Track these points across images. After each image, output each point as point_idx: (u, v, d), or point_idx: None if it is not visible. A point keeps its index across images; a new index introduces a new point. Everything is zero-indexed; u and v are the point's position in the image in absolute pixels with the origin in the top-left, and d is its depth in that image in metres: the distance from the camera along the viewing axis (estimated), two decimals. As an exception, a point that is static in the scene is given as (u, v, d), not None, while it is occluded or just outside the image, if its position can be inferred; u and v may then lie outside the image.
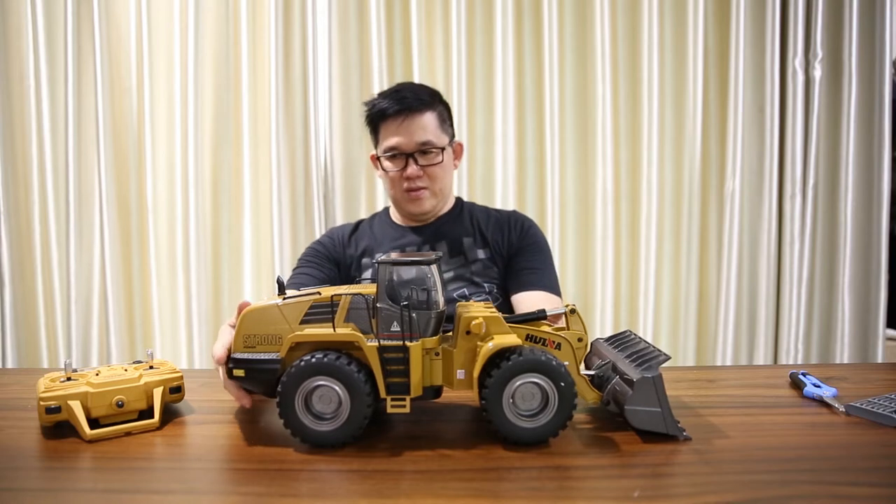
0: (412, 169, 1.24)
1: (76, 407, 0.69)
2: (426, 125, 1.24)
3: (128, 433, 0.70)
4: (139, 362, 0.80)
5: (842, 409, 0.73)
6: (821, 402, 0.77)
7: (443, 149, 1.25)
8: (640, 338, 0.77)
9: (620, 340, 0.78)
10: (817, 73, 1.80)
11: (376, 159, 1.30)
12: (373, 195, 1.84)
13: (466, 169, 1.83)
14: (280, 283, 0.71)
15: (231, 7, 1.82)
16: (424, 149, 1.23)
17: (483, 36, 1.84)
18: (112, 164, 1.82)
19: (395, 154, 1.25)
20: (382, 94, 1.28)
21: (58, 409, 0.69)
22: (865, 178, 1.81)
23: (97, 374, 0.74)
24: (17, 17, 1.83)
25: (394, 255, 0.69)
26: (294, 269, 1.34)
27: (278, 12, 1.79)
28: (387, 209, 1.41)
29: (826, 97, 1.81)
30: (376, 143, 1.29)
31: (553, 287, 1.26)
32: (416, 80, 1.80)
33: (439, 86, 1.84)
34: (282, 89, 1.81)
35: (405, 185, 1.26)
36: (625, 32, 1.83)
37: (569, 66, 1.85)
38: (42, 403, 0.69)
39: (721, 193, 1.84)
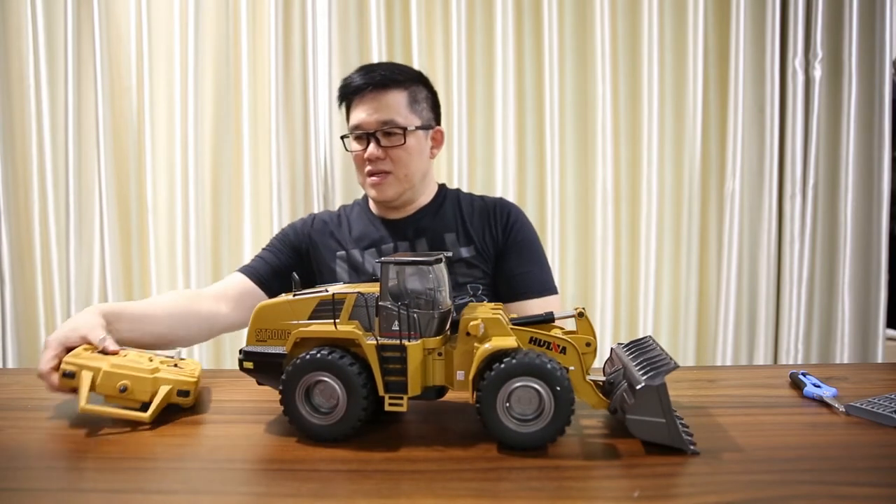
0: (372, 149, 1.15)
1: (86, 378, 0.72)
2: (392, 103, 1.15)
3: (117, 419, 0.71)
4: (171, 357, 0.82)
5: (842, 409, 0.73)
6: (821, 402, 0.77)
7: (406, 129, 1.15)
8: (656, 344, 0.74)
9: (637, 346, 0.75)
10: (817, 73, 1.80)
11: (345, 139, 1.23)
12: (373, 195, 1.84)
13: (467, 168, 1.83)
14: (295, 280, 0.74)
15: (231, 7, 1.82)
16: (387, 129, 1.15)
17: (483, 36, 1.84)
18: (112, 164, 1.82)
19: (360, 134, 1.18)
20: (356, 69, 1.22)
21: (72, 375, 0.72)
22: (865, 178, 1.81)
23: (124, 356, 0.76)
24: (17, 17, 1.83)
25: (397, 254, 0.70)
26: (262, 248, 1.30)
27: (278, 12, 1.79)
28: (367, 196, 1.32)
29: (826, 97, 1.81)
30: (348, 122, 1.23)
31: (546, 286, 1.20)
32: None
33: (439, 85, 1.84)
34: (282, 89, 1.81)
35: (367, 167, 1.18)
36: (625, 32, 1.83)
37: (569, 66, 1.85)
38: (63, 366, 0.73)
39: (721, 193, 1.84)
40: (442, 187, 1.32)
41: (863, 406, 0.72)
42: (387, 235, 1.24)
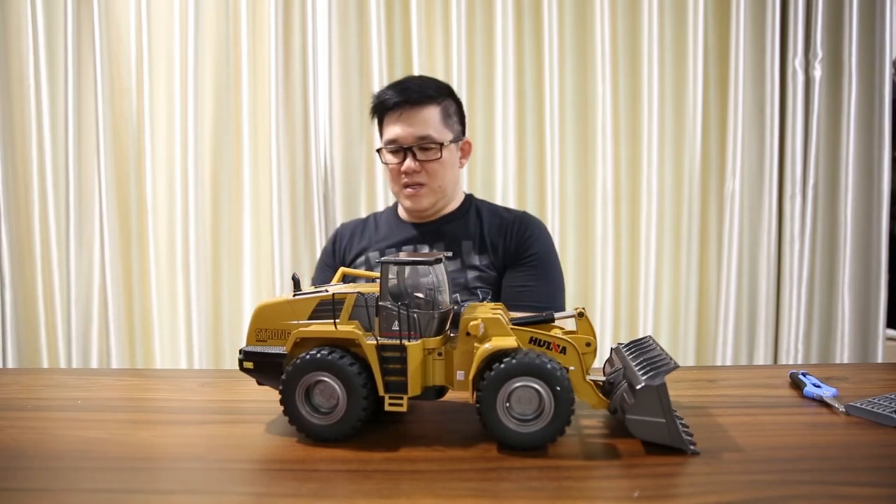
0: (409, 163, 1.21)
1: None
2: (427, 119, 1.21)
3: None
4: None
5: (842, 409, 0.73)
6: (821, 402, 0.77)
7: (442, 144, 1.22)
8: (656, 344, 0.74)
9: (637, 346, 0.75)
10: (817, 73, 1.80)
11: (380, 151, 1.29)
12: (373, 195, 1.84)
13: (467, 168, 1.83)
14: (295, 280, 0.74)
15: (231, 7, 1.82)
16: (423, 144, 1.21)
17: (483, 36, 1.84)
18: (112, 164, 1.82)
19: (396, 147, 1.23)
20: (389, 86, 1.27)
21: None
22: (865, 178, 1.81)
23: None
24: (17, 17, 1.83)
25: (400, 255, 0.70)
26: (313, 278, 1.35)
27: (278, 12, 1.79)
28: (396, 203, 1.38)
29: (826, 97, 1.81)
30: (381, 134, 1.28)
31: (544, 303, 1.22)
32: (416, 80, 1.80)
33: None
34: (282, 89, 1.81)
35: (403, 179, 1.23)
36: (625, 32, 1.83)
37: (569, 66, 1.85)
38: None
39: (721, 193, 1.84)
40: (469, 197, 1.38)
41: (863, 406, 0.72)
42: (410, 238, 1.29)
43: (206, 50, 1.82)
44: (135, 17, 1.81)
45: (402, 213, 1.35)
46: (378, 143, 1.32)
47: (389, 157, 1.25)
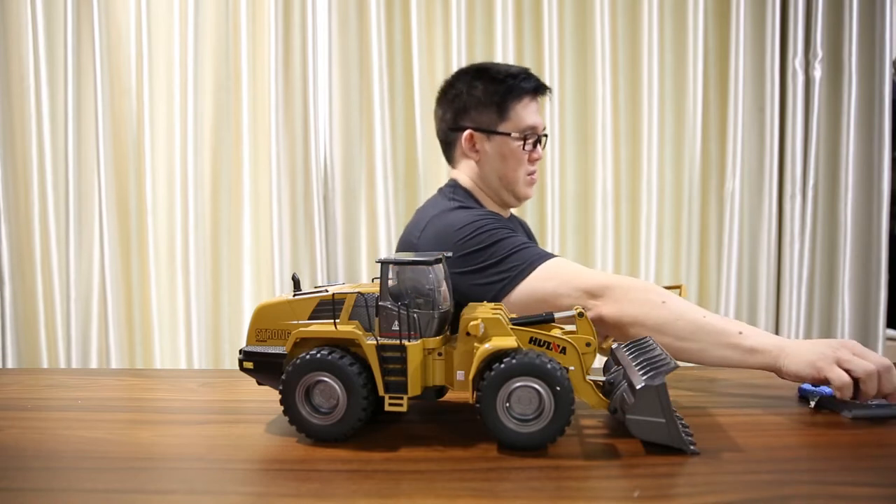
0: (541, 151, 1.21)
1: None
2: None
3: None
4: None
5: (842, 409, 0.73)
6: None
7: (547, 137, 1.25)
8: (656, 344, 0.74)
9: (637, 346, 0.75)
10: (817, 73, 1.80)
11: (489, 135, 1.17)
12: (372, 195, 1.84)
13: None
14: (296, 280, 0.74)
15: (231, 7, 1.82)
16: (543, 133, 1.22)
17: (483, 36, 1.84)
18: (112, 165, 1.82)
19: (532, 134, 1.18)
20: (516, 70, 1.20)
21: None
22: (865, 178, 1.81)
23: None
24: (17, 17, 1.83)
25: (397, 254, 0.70)
26: (505, 239, 1.06)
27: (278, 12, 1.79)
28: (465, 193, 1.21)
29: (826, 97, 1.81)
30: (501, 117, 1.16)
31: None
32: (416, 81, 1.80)
33: (439, 86, 1.85)
34: (282, 89, 1.81)
35: (533, 167, 1.21)
36: (625, 32, 1.83)
37: (569, 66, 1.85)
38: None
39: (721, 193, 1.84)
40: None
41: (863, 406, 0.72)
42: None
43: (206, 50, 1.82)
44: (135, 18, 1.81)
45: (493, 207, 1.24)
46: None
47: (529, 144, 1.18)
